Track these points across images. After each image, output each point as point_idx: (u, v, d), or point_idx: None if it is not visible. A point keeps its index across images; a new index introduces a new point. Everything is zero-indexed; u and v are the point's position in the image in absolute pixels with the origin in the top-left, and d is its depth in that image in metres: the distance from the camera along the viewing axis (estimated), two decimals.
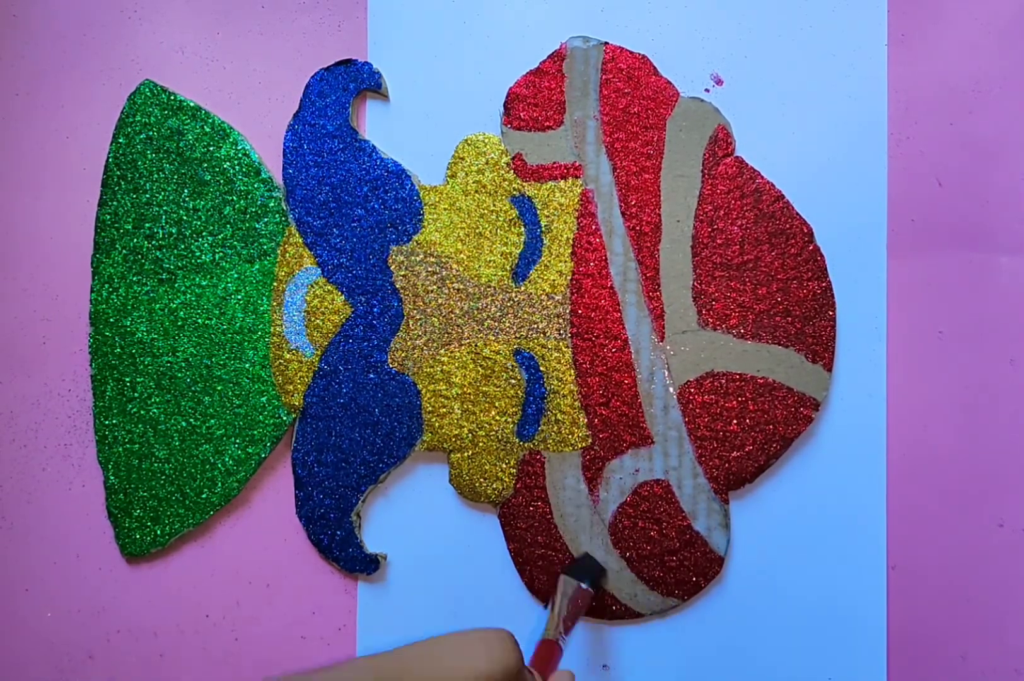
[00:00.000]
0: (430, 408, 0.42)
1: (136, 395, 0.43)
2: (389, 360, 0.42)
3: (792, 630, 0.42)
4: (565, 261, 0.42)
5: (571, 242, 0.42)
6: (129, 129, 0.43)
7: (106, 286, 0.43)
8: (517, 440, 0.42)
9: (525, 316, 0.42)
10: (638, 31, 0.43)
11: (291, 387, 0.42)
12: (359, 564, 0.42)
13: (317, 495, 0.42)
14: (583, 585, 0.39)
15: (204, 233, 0.43)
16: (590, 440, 0.42)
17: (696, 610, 0.42)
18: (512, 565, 0.42)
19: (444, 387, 0.42)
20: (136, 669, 0.43)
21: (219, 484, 0.43)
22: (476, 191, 0.42)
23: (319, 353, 0.42)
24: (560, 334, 0.42)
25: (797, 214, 0.42)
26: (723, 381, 0.41)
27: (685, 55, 0.43)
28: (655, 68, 0.42)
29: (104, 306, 0.43)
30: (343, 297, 0.42)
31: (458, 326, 0.42)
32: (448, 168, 0.43)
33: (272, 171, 0.43)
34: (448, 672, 0.28)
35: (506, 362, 0.42)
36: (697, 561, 0.41)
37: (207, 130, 0.43)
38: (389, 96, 0.43)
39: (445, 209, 0.42)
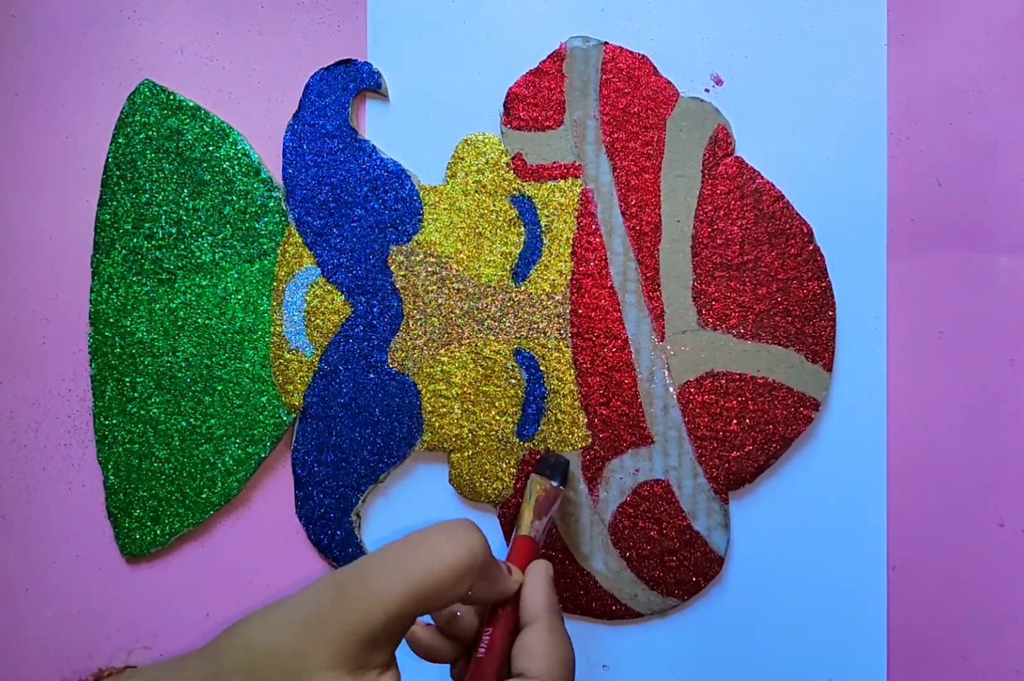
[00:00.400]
0: (430, 408, 0.42)
1: (136, 395, 0.43)
2: (389, 360, 0.42)
3: (792, 630, 0.42)
4: (565, 261, 0.42)
5: (571, 242, 0.42)
6: (128, 129, 0.43)
7: (106, 286, 0.43)
8: (517, 440, 0.42)
9: (525, 316, 0.42)
10: (638, 31, 0.43)
11: (291, 387, 0.42)
12: None
13: (317, 495, 0.42)
14: (554, 483, 0.39)
15: (204, 233, 0.43)
16: (590, 440, 0.42)
17: (696, 610, 0.42)
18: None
19: (444, 387, 0.42)
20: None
21: (219, 484, 0.43)
22: (476, 191, 0.42)
23: (319, 353, 0.42)
24: (560, 334, 0.42)
25: (797, 214, 0.42)
26: (723, 381, 0.41)
27: (685, 55, 0.43)
28: (655, 68, 0.42)
29: (104, 306, 0.43)
30: (343, 297, 0.42)
31: (458, 326, 0.42)
32: (448, 168, 0.43)
33: (272, 171, 0.43)
34: (413, 569, 0.27)
35: (506, 362, 0.42)
36: (697, 561, 0.41)
37: (207, 130, 0.43)
38: (389, 96, 0.43)
39: (445, 209, 0.42)
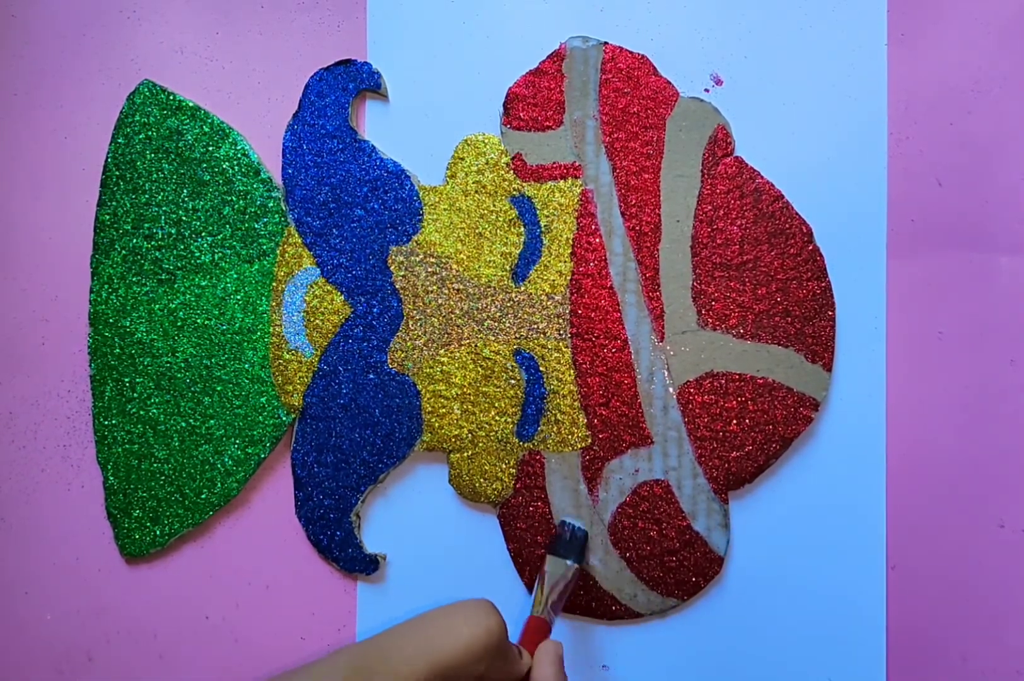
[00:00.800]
0: (430, 408, 0.42)
1: (135, 395, 0.43)
2: (389, 360, 0.42)
3: (791, 630, 0.42)
4: (565, 261, 0.42)
5: (571, 242, 0.42)
6: (128, 129, 0.43)
7: (105, 286, 0.43)
8: (517, 440, 0.42)
9: (525, 316, 0.42)
10: (637, 31, 0.43)
11: (291, 387, 0.42)
12: (358, 564, 0.42)
13: (317, 495, 0.42)
14: (569, 562, 0.39)
15: (203, 233, 0.43)
16: (590, 440, 0.42)
17: (696, 610, 0.42)
18: (512, 565, 0.42)
19: (444, 387, 0.42)
20: (136, 670, 0.43)
21: (218, 484, 0.42)
22: (476, 191, 0.42)
23: (318, 353, 0.42)
24: (560, 334, 0.42)
25: (796, 214, 0.42)
26: (723, 381, 0.41)
27: (685, 55, 0.43)
28: (654, 68, 0.42)
29: (103, 307, 0.43)
30: (342, 297, 0.42)
31: (458, 326, 0.42)
32: (448, 168, 0.43)
33: (271, 171, 0.43)
34: (431, 649, 0.28)
35: (506, 362, 0.42)
36: (697, 561, 0.41)
37: (206, 130, 0.43)
38: (388, 96, 0.43)
39: (445, 209, 0.42)
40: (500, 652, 0.30)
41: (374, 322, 0.42)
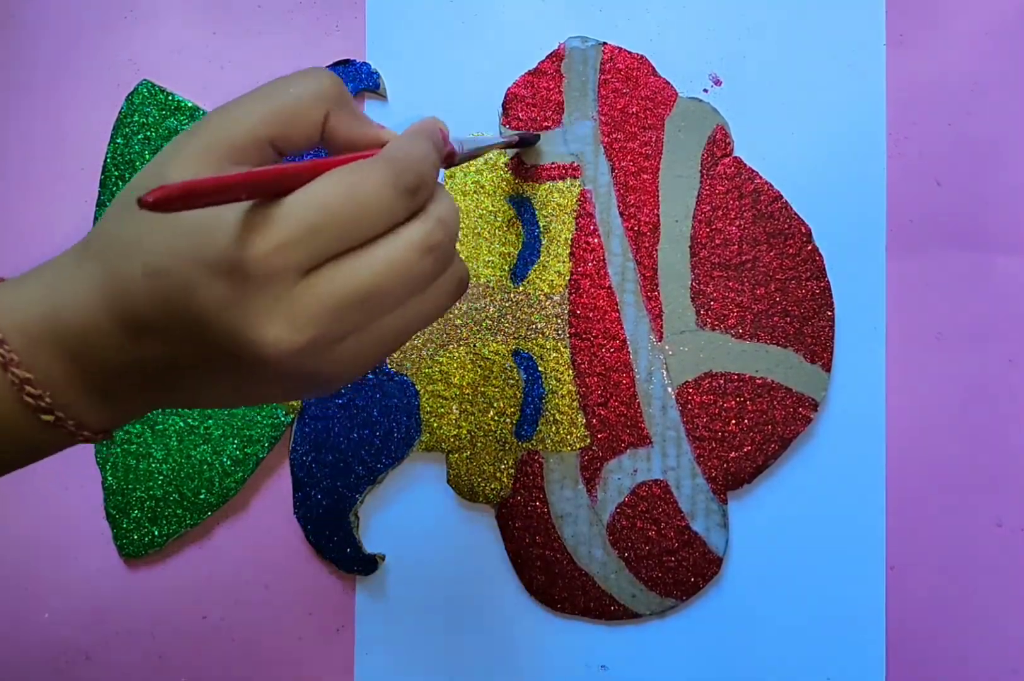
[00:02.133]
0: (428, 408, 0.42)
1: None
2: (387, 360, 0.42)
3: (790, 630, 0.42)
4: (563, 261, 0.42)
5: (569, 242, 0.42)
6: (127, 129, 0.43)
7: None
8: (515, 440, 0.42)
9: (523, 316, 0.42)
10: (637, 31, 0.43)
11: None
12: (357, 564, 0.42)
13: (315, 495, 0.42)
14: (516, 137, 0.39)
15: None
16: (589, 440, 0.42)
17: (694, 610, 0.42)
18: (510, 565, 0.42)
19: (442, 388, 0.42)
20: (134, 670, 0.43)
21: (217, 485, 0.42)
22: (474, 191, 0.42)
23: None
24: (558, 334, 0.42)
25: (795, 214, 0.42)
26: (721, 381, 0.41)
27: (684, 55, 0.43)
28: (653, 68, 0.42)
29: None
30: None
31: (456, 326, 0.42)
32: (446, 168, 0.42)
33: None
34: (269, 94, 0.28)
35: (504, 362, 0.42)
36: (695, 561, 0.41)
37: None
38: (387, 96, 0.43)
39: None
40: (340, 99, 0.29)
41: None
